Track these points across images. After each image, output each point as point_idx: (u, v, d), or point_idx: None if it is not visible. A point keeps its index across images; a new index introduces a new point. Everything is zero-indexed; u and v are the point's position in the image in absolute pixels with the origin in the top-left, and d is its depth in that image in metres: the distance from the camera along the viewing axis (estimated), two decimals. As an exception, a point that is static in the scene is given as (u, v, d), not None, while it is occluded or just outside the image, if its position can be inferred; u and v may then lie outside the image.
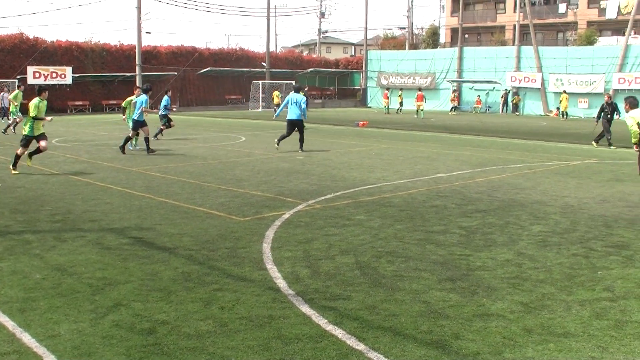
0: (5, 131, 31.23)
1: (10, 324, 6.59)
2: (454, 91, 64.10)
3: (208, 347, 6.01)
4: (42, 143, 17.51)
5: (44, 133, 17.72)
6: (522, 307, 7.11)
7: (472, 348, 5.98)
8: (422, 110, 52.01)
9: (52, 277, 8.26)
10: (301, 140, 23.95)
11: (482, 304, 7.21)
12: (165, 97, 28.34)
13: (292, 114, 23.59)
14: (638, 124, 13.52)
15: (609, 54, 58.12)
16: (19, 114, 30.53)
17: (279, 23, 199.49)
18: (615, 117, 27.34)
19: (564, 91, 54.60)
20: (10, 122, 30.62)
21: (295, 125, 23.78)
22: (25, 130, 17.47)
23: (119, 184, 15.90)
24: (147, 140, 23.05)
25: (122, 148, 22.89)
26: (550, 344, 6.09)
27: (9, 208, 12.90)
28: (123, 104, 27.24)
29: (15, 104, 31.50)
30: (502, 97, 63.36)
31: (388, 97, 60.49)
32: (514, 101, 60.71)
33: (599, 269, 8.71)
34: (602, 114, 27.01)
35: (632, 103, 14.01)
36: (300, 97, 23.20)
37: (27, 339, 6.20)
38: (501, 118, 52.59)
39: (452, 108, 60.81)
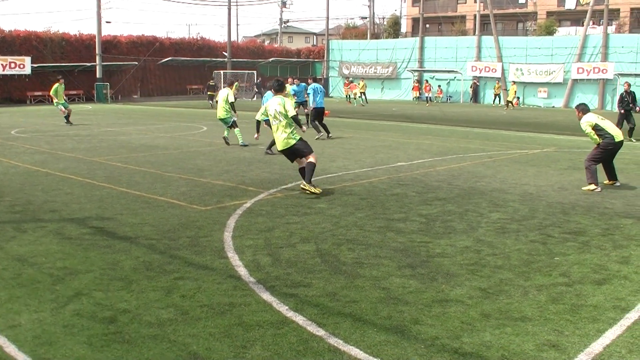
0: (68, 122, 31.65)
1: (-30, 314, 6.57)
2: (418, 81, 63.90)
3: (169, 334, 6.04)
4: None
5: None
6: (481, 292, 7.22)
7: (431, 333, 6.07)
8: (355, 97, 55.67)
9: (12, 267, 8.23)
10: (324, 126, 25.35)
11: (441, 290, 7.31)
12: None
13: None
14: (593, 127, 13.75)
15: (568, 44, 58.66)
16: (62, 104, 31.59)
17: (240, 12, 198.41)
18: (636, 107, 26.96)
19: (513, 82, 55.32)
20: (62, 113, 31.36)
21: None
22: None
23: (79, 174, 15.80)
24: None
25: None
26: (507, 328, 6.21)
27: (-32, 199, 12.78)
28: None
29: (56, 99, 32.07)
30: (471, 87, 63.35)
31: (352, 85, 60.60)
32: (497, 91, 59.42)
33: (556, 254, 8.86)
34: (623, 103, 26.52)
35: (583, 110, 14.22)
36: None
37: (-13, 329, 6.19)
38: (462, 107, 52.92)
39: (426, 98, 60.35)
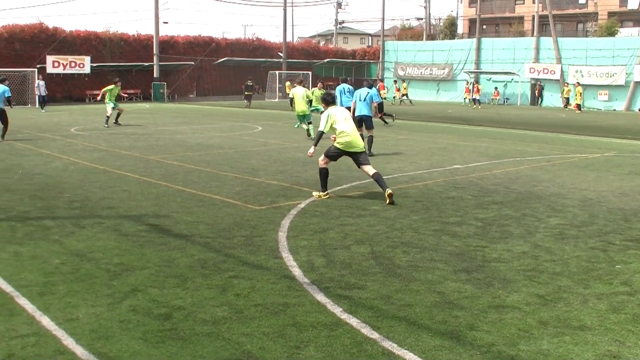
0: (112, 122, 31.22)
1: (29, 307, 6.68)
2: (473, 83, 62.49)
3: (223, 333, 6.05)
4: None
5: None
6: (538, 299, 7.10)
7: (486, 339, 5.99)
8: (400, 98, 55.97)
9: (71, 262, 8.34)
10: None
11: (497, 295, 7.21)
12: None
13: (347, 103, 23.24)
14: None
15: (631, 45, 57.34)
16: (112, 104, 30.99)
17: (296, 13, 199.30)
18: None
19: (577, 83, 54.06)
20: (108, 114, 30.94)
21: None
22: None
23: (136, 172, 15.98)
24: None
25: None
26: (566, 336, 6.09)
27: (29, 194, 13.01)
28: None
29: (107, 99, 31.47)
30: (536, 89, 62.03)
31: (399, 89, 60.16)
32: (565, 94, 57.27)
33: (616, 262, 8.68)
34: None
35: None
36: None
37: (46, 322, 6.29)
38: (519, 109, 52.27)
39: (473, 100, 57.86)
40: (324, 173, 13.13)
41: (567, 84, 54.94)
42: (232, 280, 7.62)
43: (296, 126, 25.88)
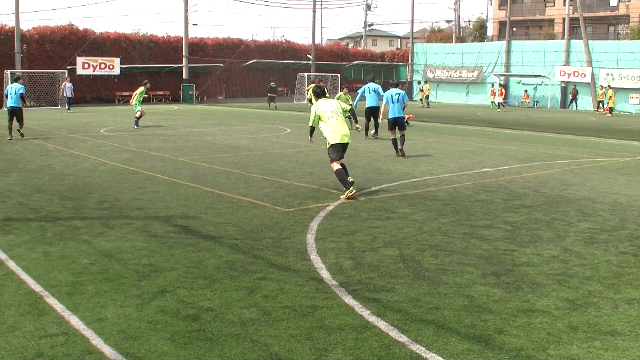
0: (136, 124, 31.28)
1: (59, 306, 6.73)
2: (500, 85, 61.76)
3: (251, 334, 6.06)
4: None
5: None
6: (568, 304, 7.04)
7: (515, 343, 5.95)
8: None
9: (100, 262, 8.39)
10: (376, 125, 25.52)
11: (526, 299, 7.16)
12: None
13: (371, 101, 25.23)
14: None
15: (662, 48, 56.85)
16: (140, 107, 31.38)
17: (324, 15, 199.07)
18: None
19: (609, 86, 53.37)
20: (137, 115, 31.30)
21: (372, 113, 25.36)
22: None
23: (165, 173, 16.06)
24: None
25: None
26: (596, 342, 6.03)
27: (59, 195, 13.11)
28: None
29: (136, 101, 31.80)
30: (570, 92, 61.11)
31: (422, 91, 59.93)
32: (600, 97, 56.16)
33: (647, 267, 8.59)
34: None
35: None
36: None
37: (75, 321, 6.32)
38: (549, 113, 51.90)
39: (498, 104, 57.04)
40: (340, 173, 13.27)
41: (602, 87, 54.30)
42: (260, 282, 7.63)
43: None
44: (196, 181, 14.85)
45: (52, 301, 6.90)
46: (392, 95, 20.31)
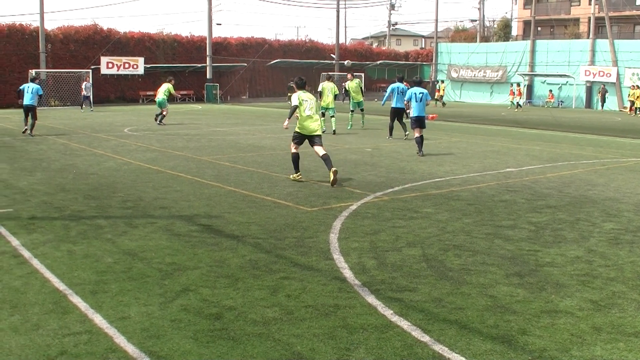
0: (160, 122, 32.22)
1: (82, 305, 6.77)
2: (517, 85, 60.31)
3: (274, 333, 6.06)
4: None
5: None
6: (592, 305, 6.99)
7: (539, 344, 5.91)
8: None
9: (123, 261, 8.44)
10: (404, 125, 25.73)
11: (550, 300, 7.12)
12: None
13: (397, 102, 25.17)
14: None
15: (688, 47, 56.22)
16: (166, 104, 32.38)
17: (348, 15, 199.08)
18: None
19: (637, 86, 52.70)
20: (164, 113, 32.50)
21: (398, 114, 25.41)
22: None
23: (189, 172, 16.11)
24: None
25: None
26: (620, 343, 5.99)
27: (83, 194, 13.19)
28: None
29: (163, 97, 32.63)
30: (599, 92, 60.44)
31: (438, 90, 59.54)
32: (631, 97, 53.75)
33: (672, 267, 8.52)
34: None
35: None
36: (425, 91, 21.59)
37: (98, 320, 6.36)
38: (574, 113, 51.54)
39: (517, 104, 55.66)
40: (294, 157, 15.20)
41: (634, 86, 53.71)
42: (283, 281, 7.64)
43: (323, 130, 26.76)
44: (219, 180, 14.89)
45: (76, 300, 6.95)
46: (415, 94, 20.43)
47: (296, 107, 15.17)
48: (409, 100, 20.83)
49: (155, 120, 32.33)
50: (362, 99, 30.09)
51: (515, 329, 6.25)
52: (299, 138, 15.25)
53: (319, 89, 29.06)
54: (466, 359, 5.59)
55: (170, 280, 7.65)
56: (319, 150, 14.96)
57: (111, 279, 7.70)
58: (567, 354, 5.72)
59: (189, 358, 5.57)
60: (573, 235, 10.15)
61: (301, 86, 15.80)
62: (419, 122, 20.49)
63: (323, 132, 22.98)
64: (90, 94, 46.62)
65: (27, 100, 25.77)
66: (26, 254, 8.76)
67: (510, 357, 5.65)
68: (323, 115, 26.90)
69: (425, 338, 6.00)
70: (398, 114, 25.61)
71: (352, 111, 30.60)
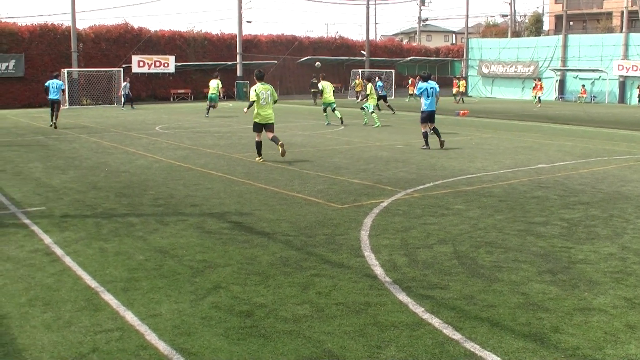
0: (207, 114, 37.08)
1: (114, 302, 6.81)
2: (538, 79, 57.91)
3: (304, 331, 6.06)
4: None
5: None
6: (626, 302, 6.91)
7: (571, 342, 5.85)
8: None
9: (155, 258, 8.48)
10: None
11: (583, 297, 7.04)
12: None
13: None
14: None
15: None
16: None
17: (378, 11, 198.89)
18: None
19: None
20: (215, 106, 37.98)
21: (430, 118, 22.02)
22: None
23: (219, 170, 16.16)
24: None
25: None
26: (654, 340, 5.92)
27: (114, 192, 13.28)
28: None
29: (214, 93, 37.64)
30: (638, 87, 59.54)
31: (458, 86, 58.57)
32: None
33: None
34: None
35: None
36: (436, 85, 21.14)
37: (129, 317, 6.39)
38: (607, 108, 51.01)
39: (538, 98, 53.22)
40: (257, 144, 18.18)
41: None
42: (314, 279, 7.63)
43: (326, 124, 30.98)
44: (250, 178, 14.92)
45: (108, 297, 6.99)
46: (427, 89, 20.70)
47: (254, 102, 17.77)
48: (421, 94, 21.01)
49: (212, 108, 37.36)
50: (333, 100, 30.58)
51: (547, 327, 6.19)
52: (258, 127, 18.10)
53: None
54: (498, 357, 5.54)
55: (201, 278, 7.67)
56: (270, 134, 18.07)
57: (142, 276, 7.74)
58: (601, 352, 5.65)
59: (220, 355, 5.58)
60: (606, 232, 10.04)
61: (260, 78, 18.08)
62: (430, 117, 20.82)
63: (327, 124, 28.26)
64: (127, 93, 47.38)
65: (52, 95, 29.49)
66: (59, 251, 8.83)
67: (543, 355, 5.60)
68: (325, 110, 31.03)
69: (457, 336, 5.96)
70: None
71: (324, 109, 31.46)
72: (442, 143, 20.96)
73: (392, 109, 39.50)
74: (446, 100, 53.77)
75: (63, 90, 31.60)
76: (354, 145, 22.13)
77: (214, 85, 37.70)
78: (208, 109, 37.69)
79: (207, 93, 39.12)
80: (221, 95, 53.25)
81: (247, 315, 6.47)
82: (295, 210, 11.44)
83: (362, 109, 31.05)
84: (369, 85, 31.33)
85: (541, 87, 53.68)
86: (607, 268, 8.15)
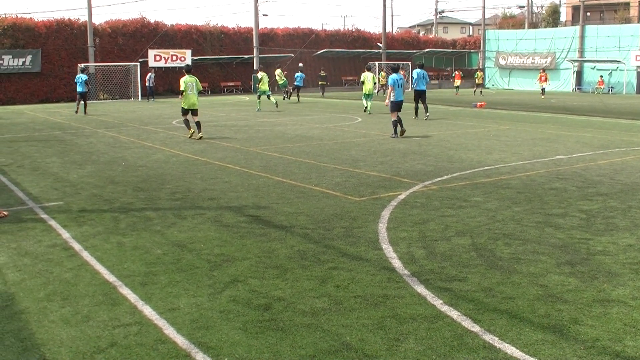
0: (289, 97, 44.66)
1: (132, 296, 6.83)
2: (542, 70, 55.72)
3: (323, 324, 6.05)
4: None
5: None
6: (646, 293, 6.88)
7: (591, 334, 5.82)
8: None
9: (172, 252, 8.49)
10: (425, 107, 29.41)
11: (602, 289, 7.01)
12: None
13: (420, 85, 29.15)
14: None
15: None
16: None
17: (395, 3, 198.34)
18: None
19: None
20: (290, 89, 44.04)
21: (420, 95, 29.12)
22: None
23: (237, 163, 16.18)
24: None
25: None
26: (675, 331, 5.88)
27: (132, 186, 13.31)
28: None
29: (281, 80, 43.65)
30: None
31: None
32: None
33: None
34: None
35: None
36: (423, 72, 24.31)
37: (148, 311, 6.41)
38: (625, 99, 50.67)
39: (542, 90, 52.03)
40: (185, 122, 22.74)
41: None
42: (332, 272, 7.62)
43: (257, 110, 36.77)
44: (267, 171, 14.92)
45: (126, 291, 7.01)
46: (397, 80, 22.44)
47: (184, 90, 21.85)
48: (393, 85, 22.36)
49: (286, 98, 42.63)
50: (268, 89, 37.36)
51: (567, 319, 6.16)
52: (185, 111, 22.43)
53: (361, 79, 34.29)
54: (517, 349, 5.52)
55: (219, 271, 7.68)
56: (195, 118, 22.33)
57: (160, 270, 7.76)
58: (620, 344, 5.62)
59: (238, 349, 5.59)
60: (625, 223, 9.98)
61: (188, 71, 22.49)
62: (399, 105, 22.37)
63: (258, 110, 35.17)
64: (152, 84, 49.44)
65: (80, 88, 34.91)
66: (76, 246, 8.87)
67: (562, 347, 5.57)
68: (259, 97, 37.78)
69: (476, 328, 5.94)
70: (420, 95, 29.08)
71: (259, 96, 37.94)
72: (402, 132, 22.41)
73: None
74: (466, 92, 53.68)
75: (86, 82, 35.40)
76: (370, 137, 22.10)
77: (278, 72, 43.83)
78: (285, 94, 47.01)
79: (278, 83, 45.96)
80: (224, 91, 54.27)
81: (265, 308, 6.47)
82: (312, 203, 11.44)
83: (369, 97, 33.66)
84: (365, 74, 34.04)
85: (546, 79, 52.75)
86: (626, 259, 8.11)
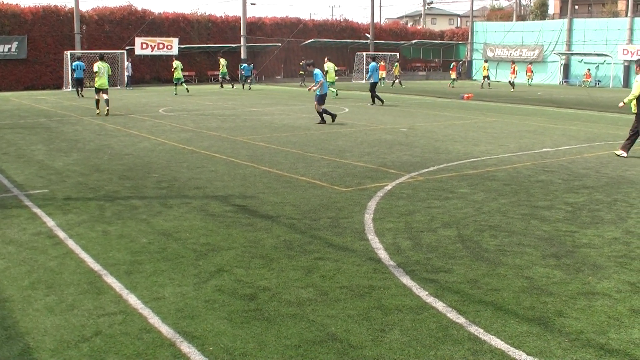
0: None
1: (117, 285, 6.81)
2: (512, 63, 55.51)
3: (308, 314, 6.05)
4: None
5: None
6: (630, 286, 6.89)
7: (575, 326, 5.84)
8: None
9: (158, 241, 8.47)
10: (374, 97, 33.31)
11: (587, 282, 7.03)
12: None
13: (375, 78, 34.09)
14: None
15: None
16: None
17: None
18: None
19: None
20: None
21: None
22: None
23: (223, 152, 16.14)
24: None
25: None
26: (658, 325, 5.91)
27: (118, 174, 13.27)
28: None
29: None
30: None
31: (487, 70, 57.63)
32: None
33: None
34: None
35: None
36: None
37: (133, 300, 6.39)
38: (611, 92, 50.79)
39: (512, 83, 51.48)
40: (96, 101, 27.28)
41: None
42: (318, 262, 7.62)
43: (333, 97, 37.60)
44: (254, 161, 14.89)
45: (111, 280, 6.99)
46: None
47: (97, 72, 26.77)
48: (322, 79, 23.50)
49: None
50: (182, 77, 42.79)
51: (551, 311, 6.18)
52: (97, 91, 27.06)
53: (325, 68, 37.44)
54: (502, 340, 5.53)
55: (204, 261, 7.66)
56: (105, 96, 26.79)
57: (146, 259, 7.73)
58: (605, 337, 5.64)
59: (223, 338, 5.58)
60: (610, 216, 10.02)
61: (101, 58, 27.64)
62: (324, 98, 23.80)
63: (175, 94, 40.20)
64: (130, 73, 49.54)
65: (77, 74, 40.02)
66: (61, 234, 8.83)
67: (547, 339, 5.58)
68: (176, 85, 42.34)
69: (461, 319, 5.95)
70: (374, 85, 33.64)
71: (176, 84, 42.62)
72: (323, 122, 23.69)
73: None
74: (463, 83, 53.69)
75: (84, 70, 40.51)
76: (357, 128, 22.09)
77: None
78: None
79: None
80: (211, 80, 54.21)
81: (251, 298, 6.46)
82: (299, 193, 11.43)
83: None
84: (328, 64, 38.64)
85: (514, 72, 52.09)
86: (611, 252, 8.14)
